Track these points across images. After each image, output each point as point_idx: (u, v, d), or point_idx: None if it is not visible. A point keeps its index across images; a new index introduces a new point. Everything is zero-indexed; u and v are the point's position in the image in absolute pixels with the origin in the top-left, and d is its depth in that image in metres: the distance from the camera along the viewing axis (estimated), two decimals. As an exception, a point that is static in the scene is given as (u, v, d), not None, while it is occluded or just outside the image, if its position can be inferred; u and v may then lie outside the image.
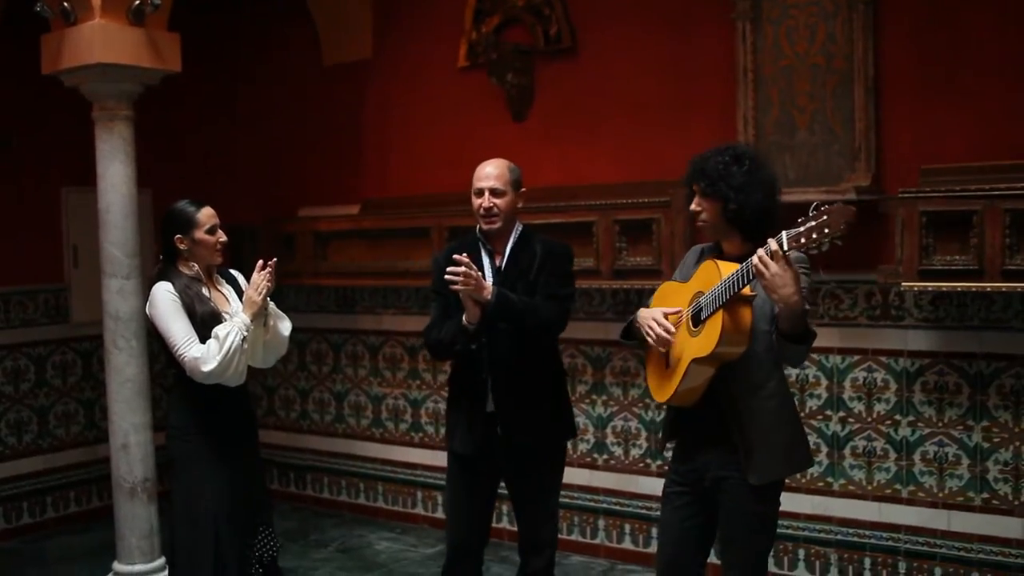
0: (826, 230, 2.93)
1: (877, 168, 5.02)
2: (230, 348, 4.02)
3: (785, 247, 3.03)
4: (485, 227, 4.19)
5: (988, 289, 4.61)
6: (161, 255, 4.31)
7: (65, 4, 5.25)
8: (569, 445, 5.90)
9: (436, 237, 6.35)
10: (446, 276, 3.92)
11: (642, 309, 3.64)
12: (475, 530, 4.33)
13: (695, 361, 3.34)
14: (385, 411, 7.16)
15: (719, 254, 3.53)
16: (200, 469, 4.20)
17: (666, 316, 3.48)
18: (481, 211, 4.16)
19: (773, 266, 3.07)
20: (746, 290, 3.23)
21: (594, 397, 6.15)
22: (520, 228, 4.27)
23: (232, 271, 4.47)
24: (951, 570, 5.07)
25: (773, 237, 3.11)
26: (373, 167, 7.04)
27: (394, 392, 7.10)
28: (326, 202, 7.16)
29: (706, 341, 3.29)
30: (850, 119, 5.03)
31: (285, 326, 4.38)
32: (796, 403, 5.36)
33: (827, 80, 5.09)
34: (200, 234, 4.22)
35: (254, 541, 4.31)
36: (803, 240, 2.98)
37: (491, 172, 4.18)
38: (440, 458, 6.68)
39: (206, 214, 4.25)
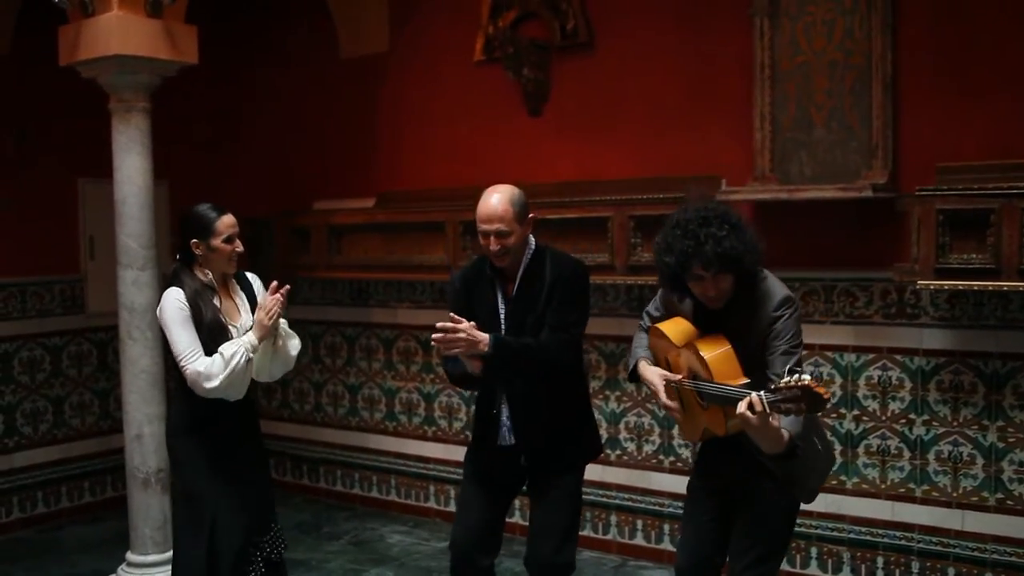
0: (802, 405, 3.02)
1: (894, 165, 5.00)
2: (234, 368, 4.00)
3: (767, 409, 3.10)
4: (496, 264, 4.03)
5: (1005, 288, 4.58)
6: (178, 255, 4.28)
7: (83, -4, 5.27)
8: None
9: (451, 231, 6.35)
10: (432, 342, 3.85)
11: (641, 363, 3.81)
12: (476, 540, 4.15)
13: (708, 428, 3.53)
14: (399, 404, 7.17)
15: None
16: (197, 468, 4.20)
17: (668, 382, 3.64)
18: (490, 252, 3.97)
19: (754, 420, 3.13)
20: None
21: (607, 393, 6.14)
22: (531, 251, 4.07)
23: (248, 274, 4.41)
24: (965, 570, 5.04)
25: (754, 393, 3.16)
26: (388, 161, 7.04)
27: (408, 386, 7.11)
28: (341, 195, 7.18)
29: (716, 422, 3.44)
30: (867, 116, 5.01)
31: (294, 344, 4.32)
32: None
33: (844, 77, 5.06)
34: (217, 242, 4.16)
35: (264, 539, 4.30)
36: (781, 407, 3.07)
37: (495, 213, 3.91)
38: (453, 451, 6.71)
39: (225, 223, 4.18)
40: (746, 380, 3.32)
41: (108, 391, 7.37)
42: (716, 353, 3.42)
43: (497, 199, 3.94)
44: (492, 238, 3.92)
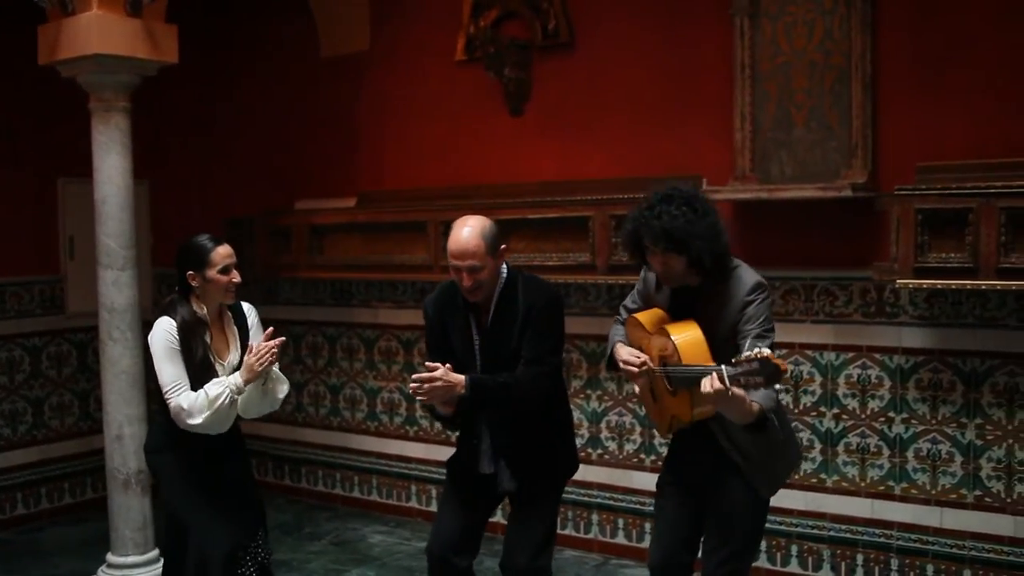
0: (760, 379, 3.07)
1: (873, 165, 5.03)
2: (218, 409, 3.98)
3: (728, 384, 3.13)
4: (469, 299, 3.96)
5: (983, 287, 4.62)
6: (177, 287, 4.21)
7: (62, -6, 5.25)
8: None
9: (432, 231, 6.35)
10: (410, 390, 3.84)
11: (617, 345, 3.82)
12: (450, 543, 4.10)
13: (674, 417, 3.57)
14: (380, 404, 7.16)
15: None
16: (177, 483, 4.18)
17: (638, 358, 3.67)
18: (463, 288, 3.91)
19: (714, 395, 3.18)
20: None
21: (589, 392, 6.16)
22: (504, 279, 4.00)
23: (244, 305, 4.33)
24: (943, 567, 5.08)
25: (716, 369, 3.20)
26: (370, 160, 7.03)
27: (389, 385, 7.10)
28: (323, 194, 7.16)
29: (683, 407, 3.50)
30: (847, 116, 5.04)
31: (282, 389, 4.26)
32: (784, 404, 5.40)
33: (824, 76, 5.09)
34: (212, 273, 4.08)
35: (253, 543, 4.29)
36: (742, 382, 3.10)
37: (467, 249, 3.84)
38: (434, 451, 6.72)
39: (221, 253, 4.11)
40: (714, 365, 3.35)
41: (88, 392, 7.34)
42: (686, 336, 3.47)
43: (468, 233, 3.86)
44: (464, 274, 3.86)
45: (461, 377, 3.82)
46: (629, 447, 6.04)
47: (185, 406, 3.98)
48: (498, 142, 6.32)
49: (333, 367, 7.41)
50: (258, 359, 4.02)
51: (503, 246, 3.98)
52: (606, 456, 6.11)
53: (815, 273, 5.32)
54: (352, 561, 6.25)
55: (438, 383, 3.78)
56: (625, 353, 3.71)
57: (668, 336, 3.50)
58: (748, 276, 3.53)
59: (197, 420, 3.98)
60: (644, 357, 3.63)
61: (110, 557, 5.59)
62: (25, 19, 5.72)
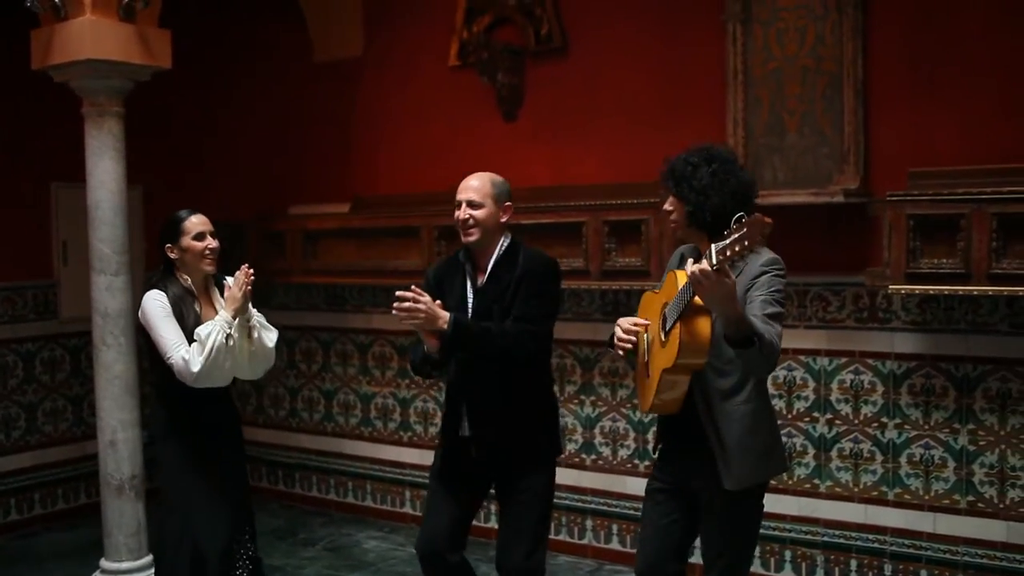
0: (746, 242, 2.98)
1: (866, 170, 5.04)
2: (213, 347, 4.02)
3: (715, 261, 3.05)
4: (464, 240, 4.07)
5: (975, 293, 4.63)
6: (162, 265, 4.31)
7: (56, -1, 5.25)
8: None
9: (426, 236, 6.35)
10: (392, 311, 3.86)
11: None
12: (444, 536, 4.12)
13: (664, 371, 3.38)
14: (374, 410, 7.16)
15: (698, 256, 3.54)
16: (180, 471, 4.21)
17: (636, 326, 3.56)
18: (459, 223, 4.06)
19: (706, 281, 3.08)
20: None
21: (582, 398, 6.16)
22: (505, 244, 4.11)
23: (228, 279, 4.38)
24: (936, 572, 5.08)
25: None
26: (363, 165, 7.04)
27: (383, 391, 7.10)
28: (316, 199, 7.16)
29: (670, 353, 3.34)
30: (839, 121, 5.04)
31: (270, 336, 4.33)
32: (775, 408, 5.40)
33: (816, 82, 5.10)
34: (187, 241, 4.20)
35: (243, 538, 4.31)
36: (728, 253, 3.01)
37: (471, 184, 4.07)
38: (428, 456, 6.65)
39: (193, 221, 4.23)
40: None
41: (82, 397, 7.33)
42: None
43: (477, 175, 4.12)
44: (463, 206, 4.03)
45: (446, 314, 3.87)
46: (623, 452, 6.04)
47: (186, 356, 4.05)
48: (491, 147, 6.32)
49: (327, 372, 7.41)
50: (238, 286, 4.12)
51: (508, 203, 4.11)
52: (600, 461, 6.11)
53: (808, 278, 5.33)
54: (346, 567, 6.24)
55: (422, 308, 3.82)
56: (626, 323, 3.64)
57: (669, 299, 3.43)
58: (767, 253, 3.46)
59: (197, 367, 4.03)
60: (643, 321, 3.57)
61: (104, 563, 5.57)
62: (18, 23, 5.72)
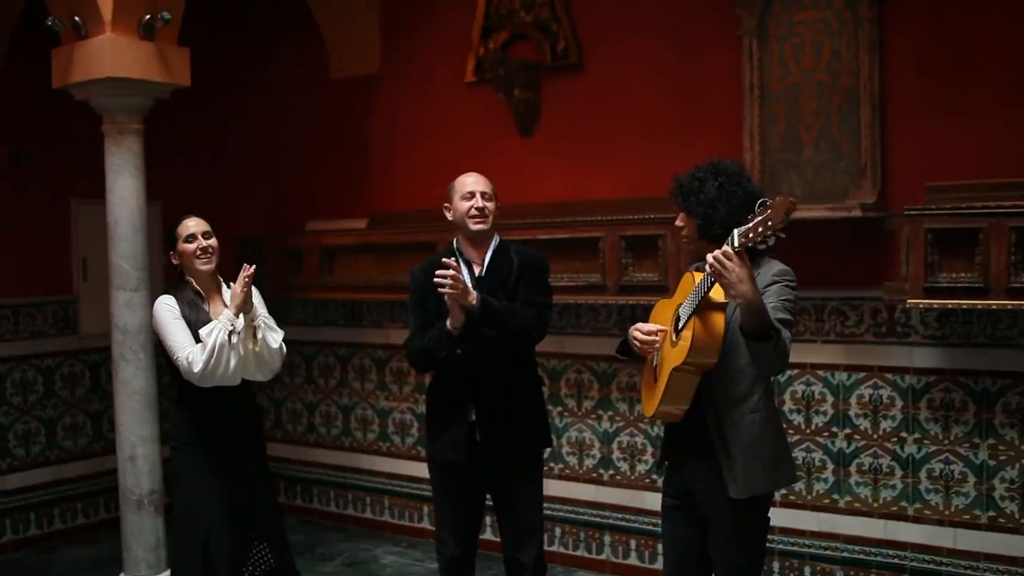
0: (769, 223, 3.02)
1: (883, 185, 5.03)
2: (215, 344, 4.07)
3: (736, 244, 3.10)
4: (475, 228, 4.29)
5: (994, 307, 4.61)
6: (178, 275, 4.46)
7: (76, 18, 5.30)
8: (575, 460, 5.92)
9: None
10: (435, 279, 4.01)
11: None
12: (463, 542, 4.39)
13: (674, 370, 3.38)
14: (392, 425, 7.17)
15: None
16: (195, 480, 4.26)
17: (658, 332, 3.57)
18: (474, 211, 4.28)
19: (728, 264, 3.13)
20: (717, 296, 3.28)
21: (600, 412, 6.15)
22: (497, 239, 4.41)
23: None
24: (957, 588, 5.06)
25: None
26: (380, 181, 7.06)
27: (401, 406, 7.11)
28: (334, 215, 7.19)
29: (681, 350, 3.35)
30: (856, 136, 5.04)
31: (274, 337, 4.37)
32: (794, 423, 5.39)
33: (833, 97, 5.10)
34: (180, 245, 4.33)
35: (247, 555, 4.33)
36: (751, 235, 3.06)
37: (480, 179, 4.38)
38: (446, 472, 6.69)
39: (186, 224, 4.35)
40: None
41: (101, 412, 7.36)
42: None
43: (474, 173, 4.43)
44: (478, 196, 4.29)
45: (474, 292, 4.11)
46: (641, 468, 6.03)
47: (190, 356, 4.12)
48: (508, 163, 6.34)
49: (344, 387, 7.43)
50: (238, 284, 4.18)
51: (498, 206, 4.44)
52: (618, 477, 6.11)
53: (825, 293, 5.32)
54: (363, 582, 6.26)
55: (461, 278, 4.05)
56: (644, 327, 3.63)
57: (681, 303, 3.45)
58: (780, 265, 3.49)
59: (200, 365, 4.09)
60: (657, 327, 3.57)
61: (122, 578, 5.61)
62: (39, 42, 5.78)
